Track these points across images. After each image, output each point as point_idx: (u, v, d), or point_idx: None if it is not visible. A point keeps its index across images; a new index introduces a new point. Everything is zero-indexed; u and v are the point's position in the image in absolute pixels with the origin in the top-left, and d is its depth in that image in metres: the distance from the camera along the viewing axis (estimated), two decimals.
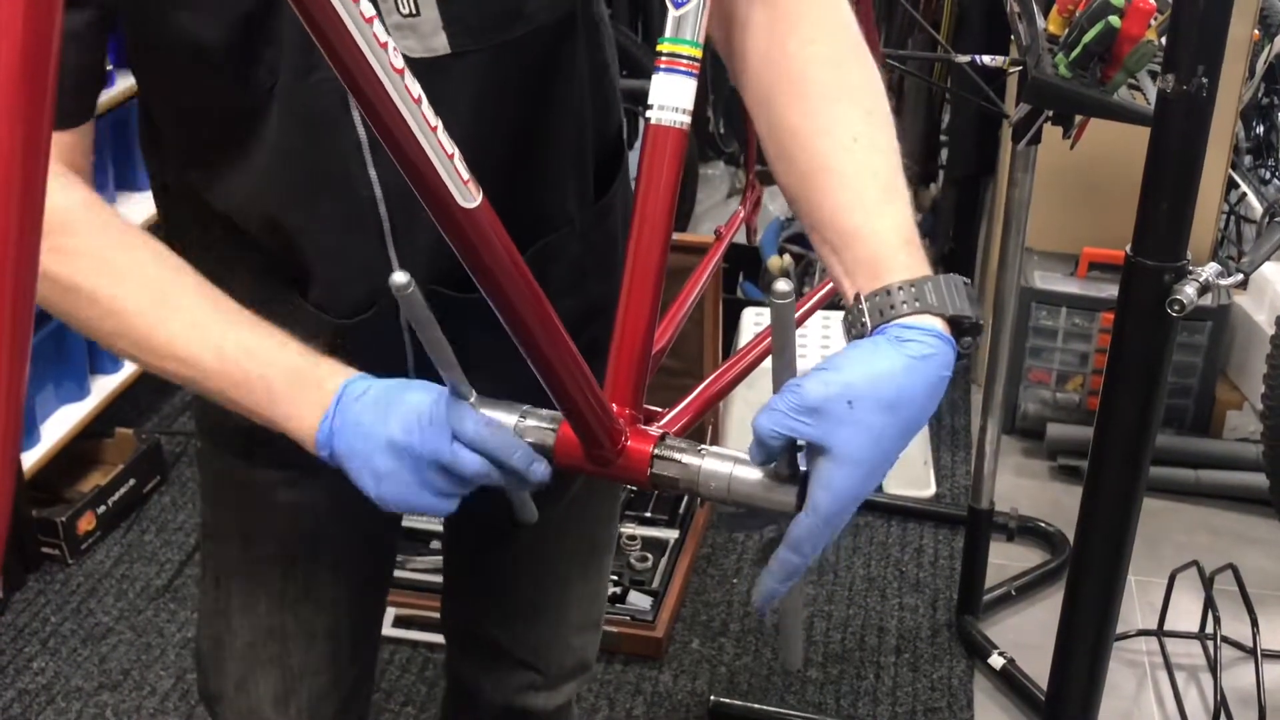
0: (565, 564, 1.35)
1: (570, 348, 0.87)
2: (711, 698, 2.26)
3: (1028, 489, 2.85)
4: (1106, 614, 1.25)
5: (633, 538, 2.56)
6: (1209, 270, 1.07)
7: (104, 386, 2.78)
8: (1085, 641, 1.27)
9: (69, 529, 2.59)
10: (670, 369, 2.91)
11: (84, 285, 0.93)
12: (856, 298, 0.88)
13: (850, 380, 0.83)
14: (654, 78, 0.94)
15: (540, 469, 0.94)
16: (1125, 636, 2.42)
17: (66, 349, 2.66)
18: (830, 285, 1.06)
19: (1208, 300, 2.89)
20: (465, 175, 0.74)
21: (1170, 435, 2.97)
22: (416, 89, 0.70)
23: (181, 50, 0.94)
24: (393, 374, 0.95)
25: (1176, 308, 1.05)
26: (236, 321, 0.95)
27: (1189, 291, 1.05)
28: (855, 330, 0.88)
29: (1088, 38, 1.65)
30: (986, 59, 1.89)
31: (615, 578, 2.45)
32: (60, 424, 2.66)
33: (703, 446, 0.92)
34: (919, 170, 3.31)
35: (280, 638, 1.26)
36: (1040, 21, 1.84)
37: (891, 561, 2.67)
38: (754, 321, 3.00)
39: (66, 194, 0.94)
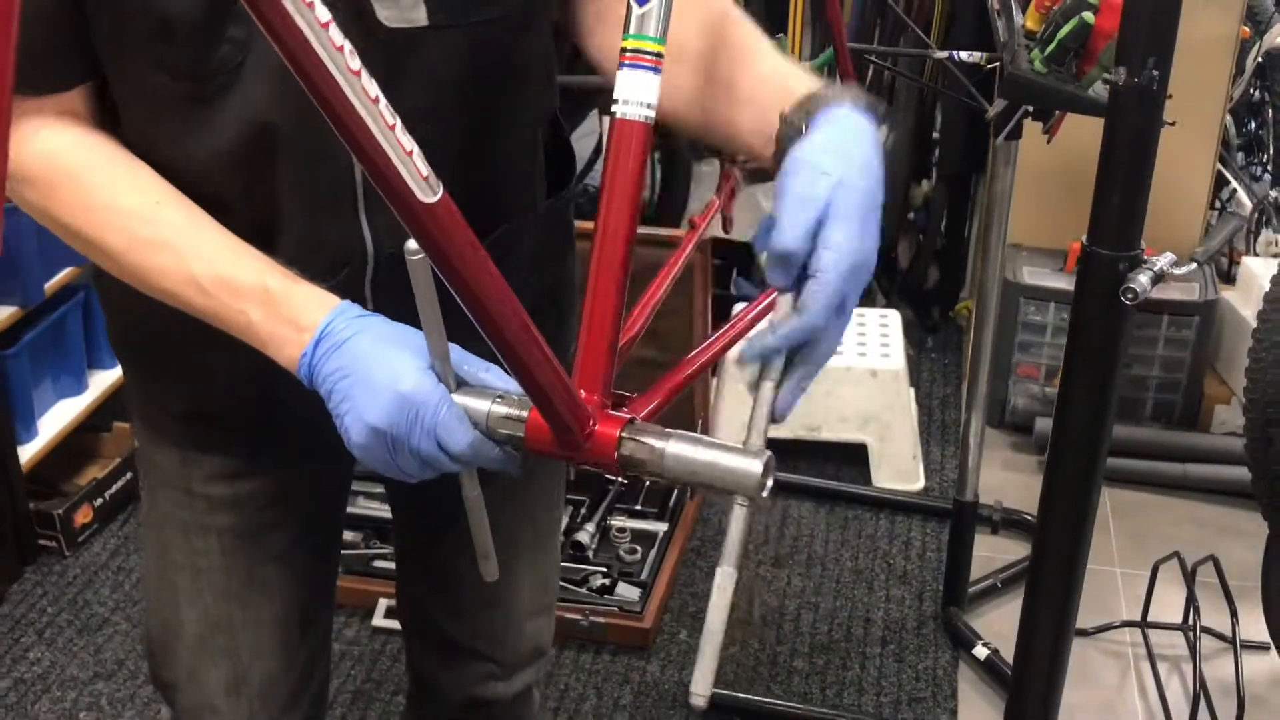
0: (510, 550, 1.36)
1: (535, 336, 0.89)
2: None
3: (1016, 483, 2.87)
4: (1066, 602, 1.27)
5: (622, 530, 2.59)
6: (1163, 260, 1.10)
7: (102, 381, 2.81)
8: (1046, 631, 1.30)
9: (66, 522, 2.62)
10: (660, 363, 2.93)
11: (71, 227, 1.02)
12: (782, 114, 0.96)
13: (833, 152, 0.91)
14: (619, 73, 0.97)
15: (514, 466, 0.98)
16: (1109, 628, 2.45)
17: (65, 344, 2.68)
18: (771, 294, 1.12)
19: (1194, 295, 2.91)
20: (424, 171, 0.76)
21: (1159, 429, 2.99)
22: (374, 89, 0.72)
23: (148, 25, 0.96)
24: None
25: (1130, 296, 1.07)
26: (216, 251, 1.00)
27: (1143, 280, 1.08)
28: (789, 136, 0.95)
29: (1062, 33, 1.68)
30: (964, 55, 1.91)
31: (604, 569, 2.48)
32: (58, 418, 2.69)
33: (670, 430, 0.95)
34: (910, 167, 3.33)
35: (228, 629, 1.27)
36: (1018, 18, 1.87)
37: (879, 554, 2.69)
38: None
39: (58, 139, 1.01)
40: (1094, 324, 1.12)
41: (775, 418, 0.95)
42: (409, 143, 0.75)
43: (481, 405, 0.98)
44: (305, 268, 1.07)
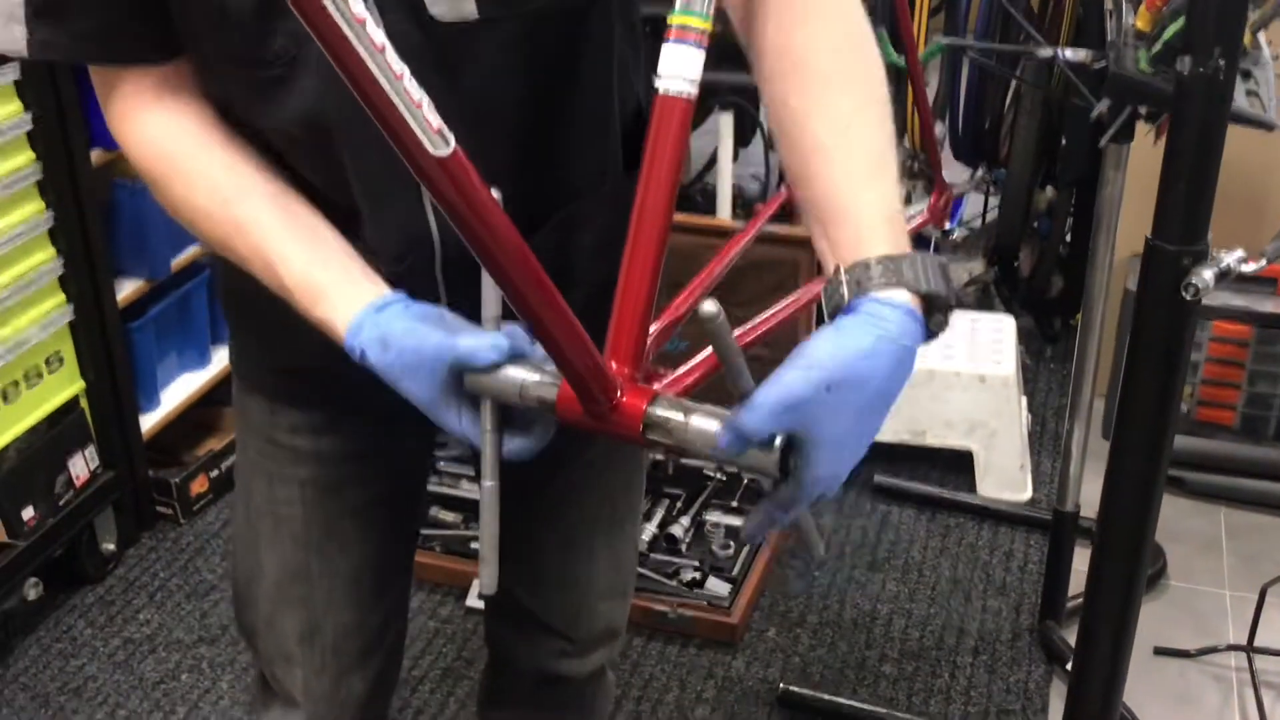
0: (587, 530, 1.39)
1: (556, 298, 0.90)
2: (781, 685, 2.28)
3: None
4: (1125, 615, 1.23)
5: (716, 525, 2.59)
6: (1231, 256, 1.06)
7: (224, 357, 2.89)
8: (1104, 645, 1.26)
9: (182, 490, 2.72)
10: (770, 360, 2.94)
11: (178, 211, 1.09)
12: (836, 269, 0.92)
13: (827, 368, 0.86)
14: (663, 49, 0.97)
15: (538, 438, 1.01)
16: (1213, 650, 2.37)
17: (190, 319, 2.78)
18: (815, 287, 1.10)
19: None
20: (435, 123, 0.78)
21: (1269, 448, 2.88)
22: (380, 38, 0.74)
23: (207, 12, 1.00)
24: None
25: (1191, 292, 1.04)
26: (282, 231, 1.05)
27: (1206, 276, 1.04)
28: (833, 301, 0.92)
29: (1169, 33, 1.63)
30: (1069, 53, 1.87)
31: (696, 563, 2.49)
32: (180, 390, 2.79)
33: (696, 404, 0.95)
34: (1035, 173, 3.26)
35: (305, 578, 1.31)
36: (1129, 18, 1.82)
37: (979, 564, 2.64)
38: None
39: (155, 125, 1.07)
40: (1156, 322, 1.08)
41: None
42: (418, 93, 0.76)
43: (518, 374, 0.99)
44: (379, 251, 1.10)
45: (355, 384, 1.17)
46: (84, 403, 2.47)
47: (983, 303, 3.46)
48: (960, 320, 2.98)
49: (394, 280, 1.09)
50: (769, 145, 3.45)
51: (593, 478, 1.35)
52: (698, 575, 2.46)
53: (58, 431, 2.41)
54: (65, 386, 2.41)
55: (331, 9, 0.71)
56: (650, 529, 2.56)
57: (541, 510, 1.37)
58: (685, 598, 2.42)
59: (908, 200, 3.54)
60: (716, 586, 2.45)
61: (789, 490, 0.91)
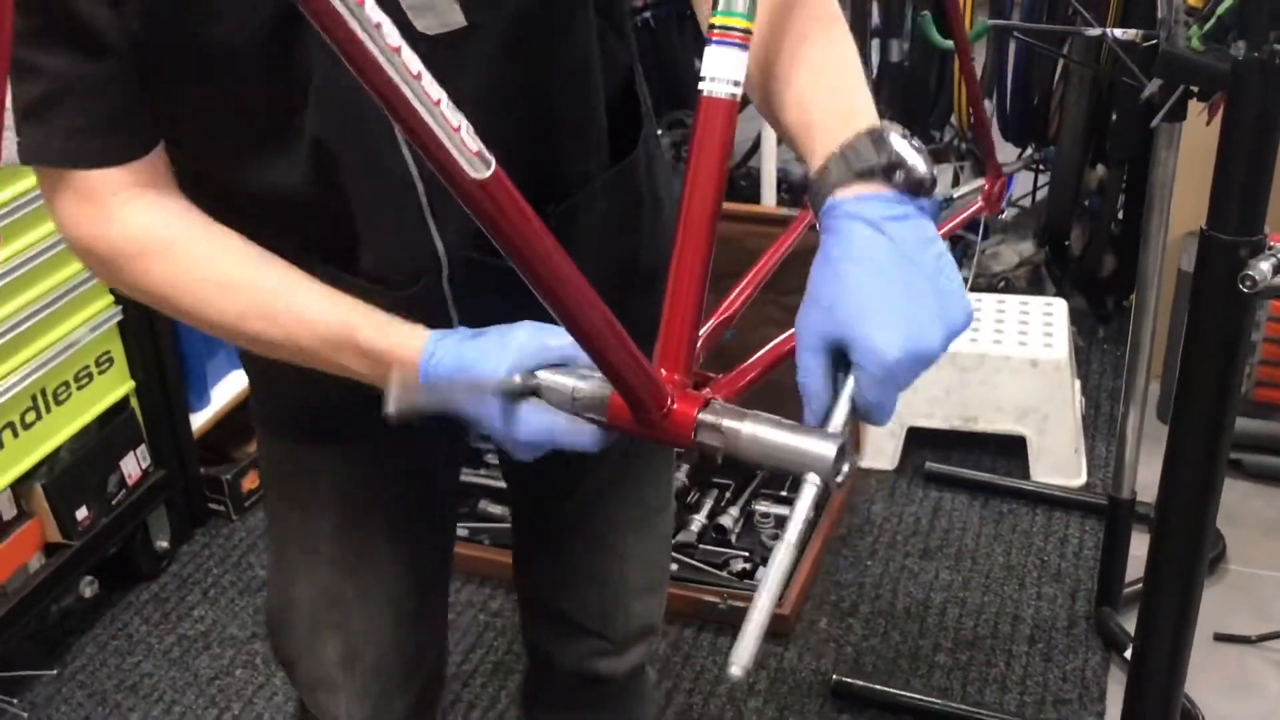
0: (617, 529, 1.38)
1: (603, 310, 0.89)
2: (834, 676, 2.26)
3: None
4: (1186, 602, 1.21)
5: (766, 515, 2.57)
6: None
7: None
8: (1165, 632, 1.24)
9: (234, 487, 2.74)
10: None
11: (170, 300, 1.03)
12: (813, 178, 0.91)
13: (843, 281, 0.85)
14: (706, 50, 0.96)
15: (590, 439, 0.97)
16: (1274, 636, 2.34)
17: None
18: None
19: None
20: (474, 146, 0.76)
21: None
22: (416, 65, 0.73)
23: (215, 61, 0.97)
24: None
25: (1248, 284, 1.01)
26: (307, 309, 1.01)
27: (1264, 268, 1.01)
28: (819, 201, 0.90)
29: (1222, 9, 1.59)
30: (1119, 32, 1.83)
31: (746, 554, 2.47)
32: (230, 388, 2.80)
33: (748, 411, 0.94)
34: (1085, 151, 3.21)
35: (340, 604, 1.31)
36: None
37: (1033, 550, 2.61)
38: None
39: (146, 214, 1.02)
40: (1213, 313, 1.06)
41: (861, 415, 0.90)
42: (456, 118, 0.75)
43: (567, 383, 0.98)
44: (387, 279, 1.09)
45: (378, 410, 1.17)
46: (134, 402, 2.48)
47: (1033, 284, 3.42)
48: (1011, 303, 2.95)
49: (401, 305, 1.07)
50: None
51: (621, 476, 1.34)
52: (747, 566, 2.45)
53: (109, 431, 2.43)
54: (116, 387, 2.43)
55: (367, 41, 0.70)
56: (699, 520, 2.55)
57: (571, 511, 1.36)
58: (735, 588, 2.40)
59: (955, 181, 3.50)
60: None
61: (866, 380, 0.85)
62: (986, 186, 1.96)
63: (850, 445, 0.93)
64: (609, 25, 1.14)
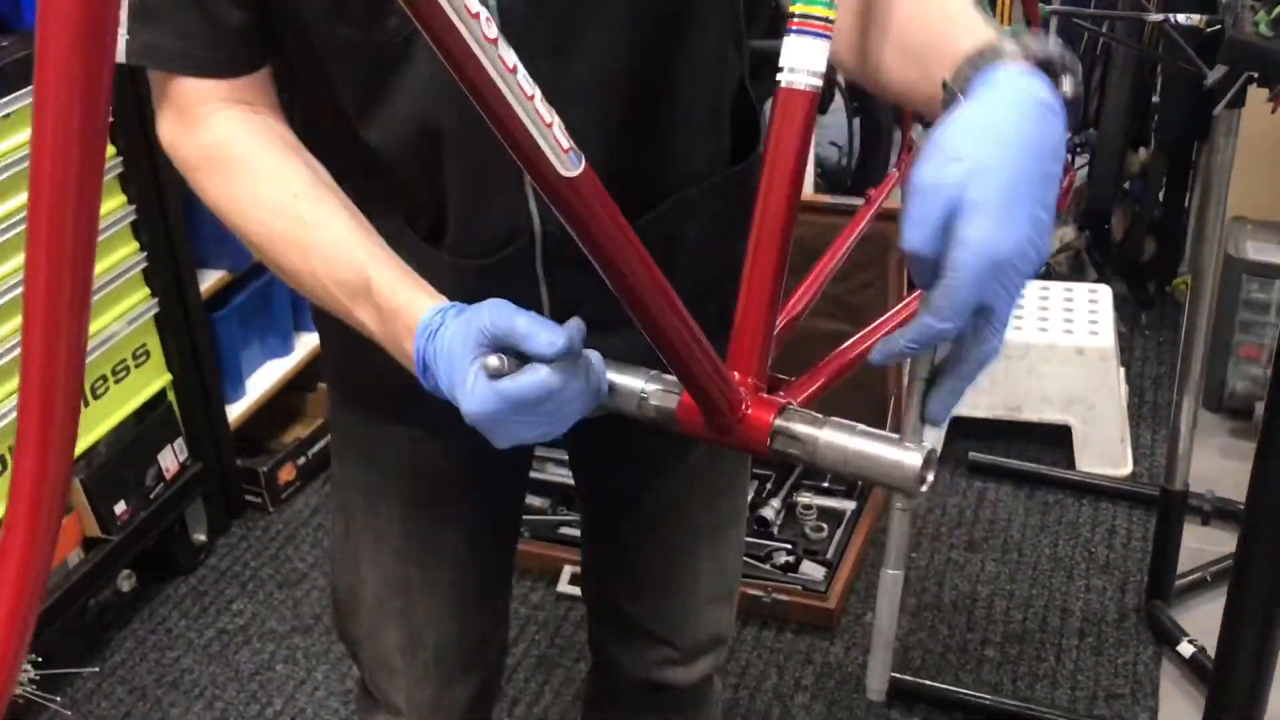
0: (690, 535, 1.35)
1: (682, 313, 0.86)
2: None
3: (1231, 471, 2.70)
4: (1274, 599, 1.17)
5: (809, 507, 2.54)
6: None
7: (308, 343, 2.89)
8: (1251, 628, 1.20)
9: (270, 479, 2.72)
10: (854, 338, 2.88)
11: (224, 214, 1.02)
12: (944, 83, 0.85)
13: (972, 138, 0.78)
14: (785, 40, 0.92)
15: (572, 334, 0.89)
16: None
17: (272, 307, 2.77)
18: None
19: None
20: (565, 144, 0.73)
21: None
22: (511, 58, 0.70)
23: (330, 9, 0.96)
24: None
25: None
26: (335, 248, 0.98)
27: None
28: (951, 103, 0.84)
29: None
30: (1182, 18, 1.79)
31: (789, 546, 2.44)
32: (265, 378, 2.78)
33: (825, 417, 0.91)
34: (1127, 133, 3.16)
35: (404, 590, 1.30)
36: None
37: (1081, 541, 2.57)
38: None
39: (224, 126, 1.01)
40: None
41: (927, 420, 0.88)
42: (549, 114, 0.72)
43: (635, 383, 0.95)
44: (473, 242, 1.06)
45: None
46: (171, 395, 2.46)
47: (1075, 269, 3.37)
48: (1055, 290, 2.90)
49: (487, 273, 1.05)
50: (851, 112, 3.37)
51: (694, 483, 1.31)
52: (791, 559, 2.42)
53: (146, 425, 2.41)
54: (152, 380, 2.41)
55: (460, 26, 0.67)
56: None
57: (643, 516, 1.33)
58: (778, 581, 2.37)
59: None
60: (811, 570, 2.40)
61: (946, 282, 0.77)
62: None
63: (935, 455, 0.90)
64: (740, 26, 1.11)
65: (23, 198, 2.05)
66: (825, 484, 2.60)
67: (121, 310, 2.29)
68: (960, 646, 2.32)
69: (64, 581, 2.23)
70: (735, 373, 0.93)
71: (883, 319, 1.08)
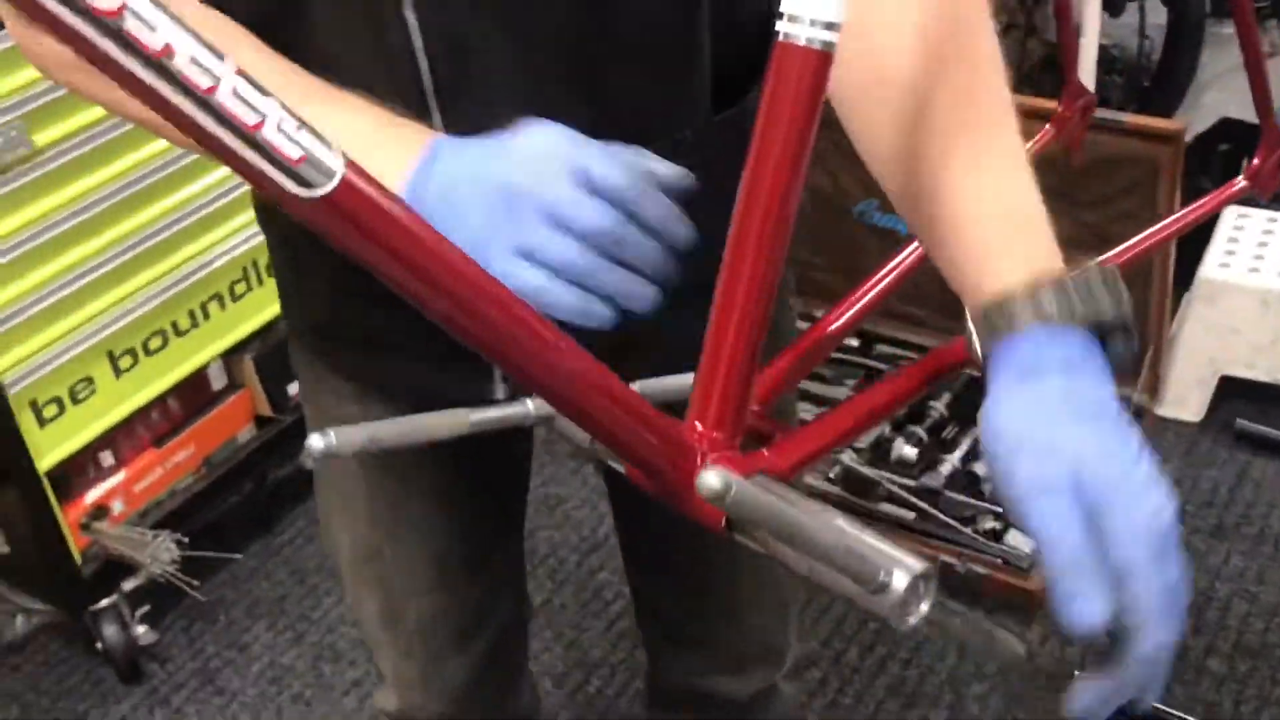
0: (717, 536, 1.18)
1: (581, 356, 0.64)
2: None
3: None
4: None
5: None
6: None
7: None
8: None
9: None
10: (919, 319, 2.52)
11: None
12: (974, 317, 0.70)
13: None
14: None
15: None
16: None
17: None
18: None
19: None
20: (295, 155, 0.51)
21: None
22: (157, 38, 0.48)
23: None
24: None
25: None
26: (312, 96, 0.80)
27: None
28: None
29: None
30: None
31: (997, 511, 2.15)
32: None
33: (804, 497, 0.67)
34: None
35: (378, 559, 1.20)
36: None
37: None
38: (1234, 226, 2.49)
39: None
40: None
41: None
42: (256, 112, 0.50)
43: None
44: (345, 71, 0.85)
45: (395, 346, 0.98)
46: None
47: None
48: None
49: None
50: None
51: None
52: (997, 526, 2.13)
53: None
54: None
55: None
56: (951, 462, 2.24)
57: (679, 516, 1.15)
58: (979, 550, 2.10)
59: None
60: (1018, 542, 2.11)
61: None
62: (1257, 161, 1.57)
63: (932, 572, 0.65)
64: None
65: None
66: None
67: None
68: (1179, 652, 1.98)
69: (232, 457, 2.22)
70: (696, 423, 0.70)
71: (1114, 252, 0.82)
